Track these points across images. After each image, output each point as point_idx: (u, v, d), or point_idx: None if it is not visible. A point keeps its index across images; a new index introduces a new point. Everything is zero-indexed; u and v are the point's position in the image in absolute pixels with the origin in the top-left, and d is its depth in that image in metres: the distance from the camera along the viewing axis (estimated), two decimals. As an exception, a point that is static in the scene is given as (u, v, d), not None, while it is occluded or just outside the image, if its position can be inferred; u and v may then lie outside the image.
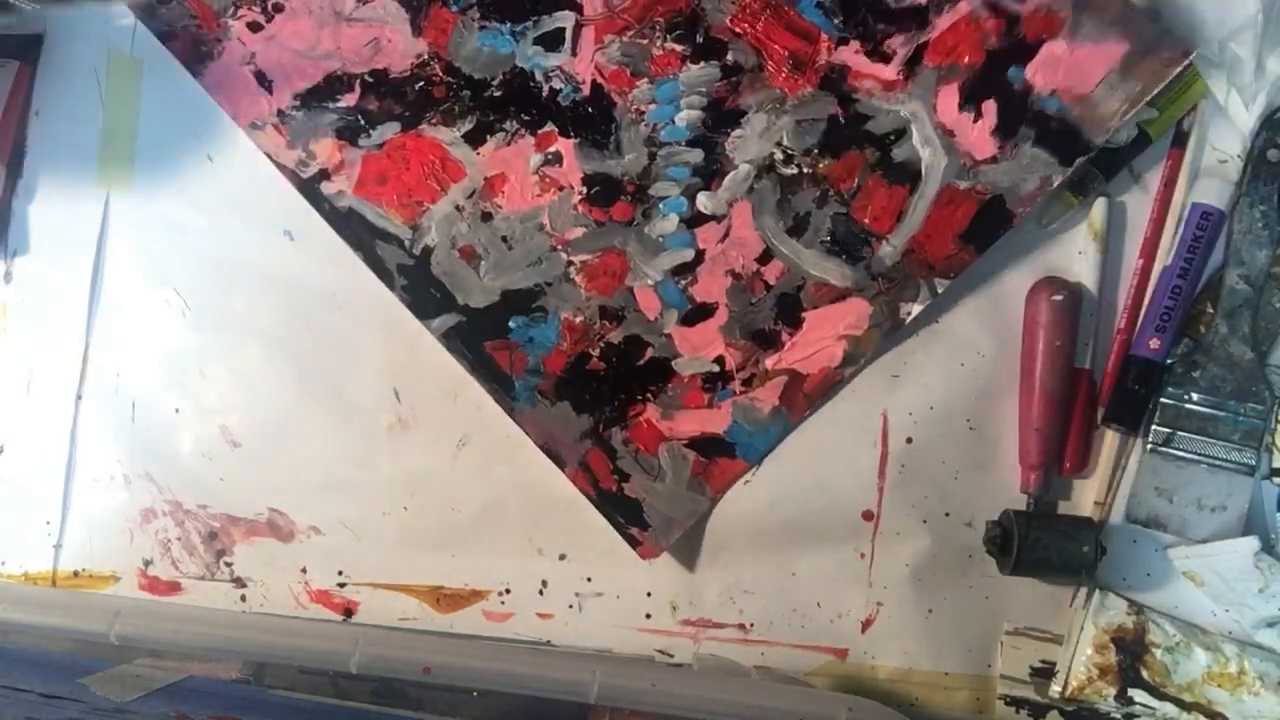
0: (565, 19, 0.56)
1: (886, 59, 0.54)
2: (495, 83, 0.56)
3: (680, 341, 0.56)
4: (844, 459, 0.57)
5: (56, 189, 0.63)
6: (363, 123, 0.57)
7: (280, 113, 0.58)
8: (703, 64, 0.55)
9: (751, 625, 0.58)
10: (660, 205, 0.55)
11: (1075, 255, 0.56)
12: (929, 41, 0.53)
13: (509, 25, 0.56)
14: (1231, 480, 0.54)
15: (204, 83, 0.59)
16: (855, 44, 0.54)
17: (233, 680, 0.59)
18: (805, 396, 0.55)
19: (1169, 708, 0.53)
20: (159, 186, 0.62)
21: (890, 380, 0.57)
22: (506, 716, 0.57)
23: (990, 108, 0.53)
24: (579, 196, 0.56)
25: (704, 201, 0.55)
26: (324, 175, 0.58)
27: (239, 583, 0.61)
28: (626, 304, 0.56)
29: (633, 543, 0.57)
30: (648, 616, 0.58)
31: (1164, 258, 0.55)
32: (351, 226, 0.58)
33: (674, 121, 0.55)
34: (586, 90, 0.56)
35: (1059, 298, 0.55)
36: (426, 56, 0.57)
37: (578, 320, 0.56)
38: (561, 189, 0.56)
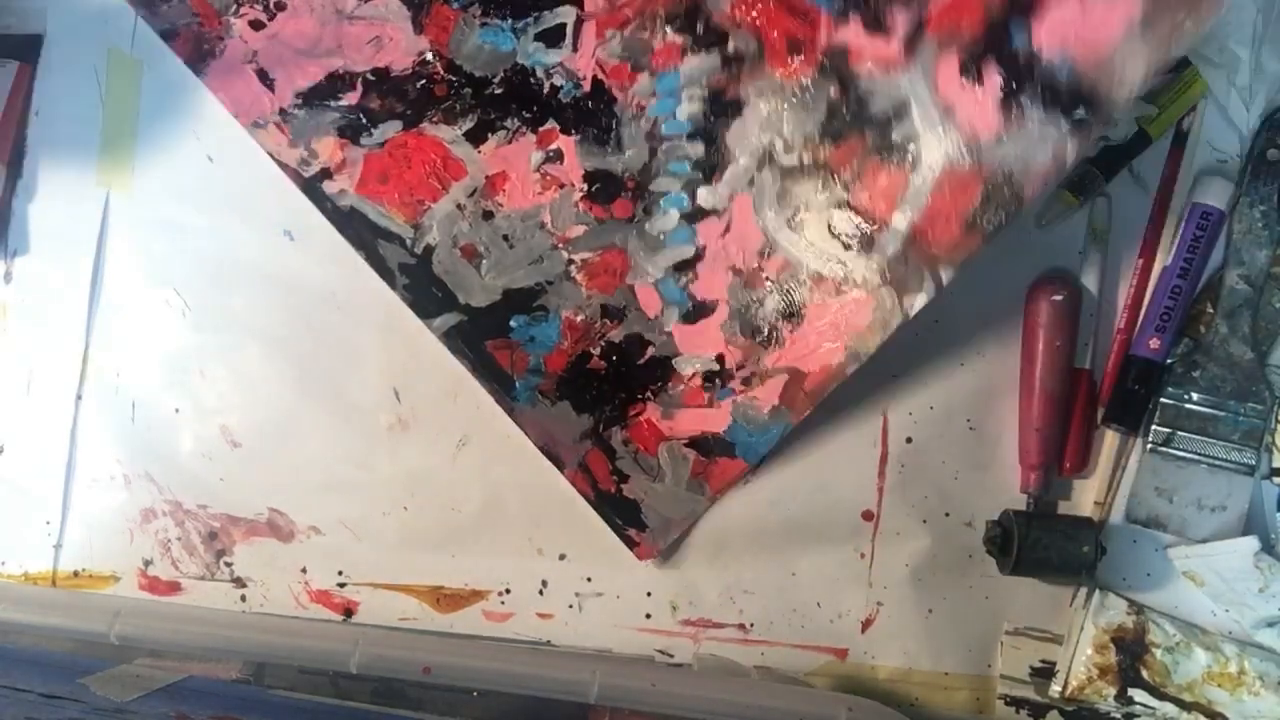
0: (566, 14, 0.55)
1: (887, 32, 0.50)
2: (496, 80, 0.56)
3: (681, 340, 0.55)
4: (844, 459, 0.57)
5: (56, 189, 0.63)
6: (364, 121, 0.57)
7: (282, 111, 0.58)
8: (703, 54, 0.54)
9: (751, 625, 0.58)
10: (661, 201, 0.55)
11: (1075, 255, 0.56)
12: (931, 12, 0.49)
13: (510, 22, 0.56)
14: (1231, 480, 0.54)
15: (206, 81, 0.59)
16: (856, 19, 0.51)
17: (233, 680, 0.59)
18: (806, 395, 0.54)
19: (1169, 708, 0.53)
20: (159, 186, 0.62)
21: (890, 380, 0.57)
22: (506, 716, 0.57)
23: (992, 76, 0.48)
24: (580, 194, 0.56)
25: (704, 196, 0.54)
26: (326, 174, 0.58)
27: (239, 583, 0.61)
28: (627, 302, 0.56)
29: (630, 544, 0.56)
30: (648, 616, 0.58)
31: (1164, 258, 0.55)
32: (354, 225, 0.58)
33: (675, 115, 0.54)
34: (587, 86, 0.55)
35: (1059, 298, 0.55)
36: (428, 54, 0.57)
37: (579, 319, 0.56)
38: (562, 186, 0.56)
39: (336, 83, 0.58)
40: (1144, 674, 0.53)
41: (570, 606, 0.59)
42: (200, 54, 0.59)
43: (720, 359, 0.55)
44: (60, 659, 0.59)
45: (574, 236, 0.56)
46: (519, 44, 0.56)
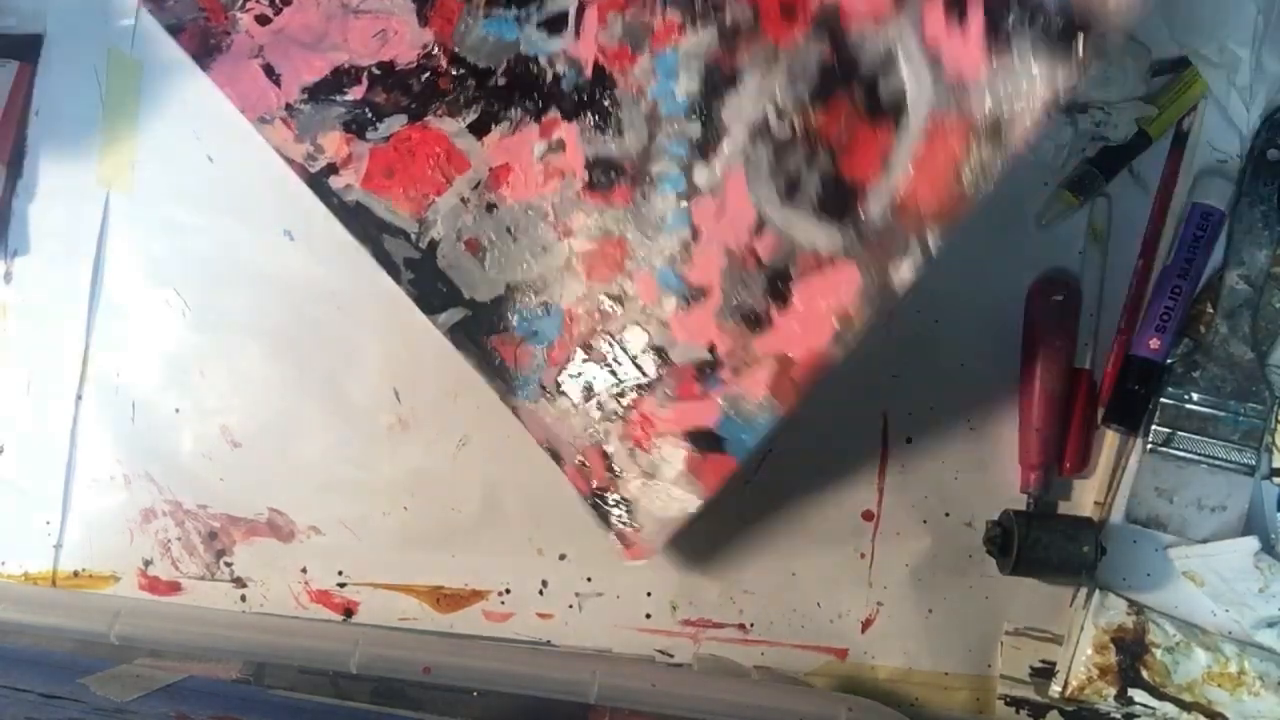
0: (568, 0, 0.55)
1: None
2: (500, 71, 0.56)
3: (676, 327, 0.54)
4: (844, 459, 0.57)
5: (56, 189, 0.63)
6: (370, 116, 0.57)
7: (288, 106, 0.58)
8: (701, 29, 0.52)
9: (751, 625, 0.58)
10: (658, 184, 0.54)
11: (1075, 255, 0.56)
12: None
13: (514, 10, 0.55)
14: (1231, 480, 0.54)
15: (213, 76, 0.59)
16: None
17: (233, 680, 0.59)
18: (794, 384, 0.51)
19: (1169, 708, 0.53)
20: (159, 186, 0.62)
21: (890, 380, 0.57)
22: (506, 716, 0.57)
23: (978, 11, 0.44)
24: (581, 183, 0.55)
25: (700, 176, 0.53)
26: (332, 169, 0.57)
27: (239, 583, 0.61)
28: (625, 290, 0.55)
29: (622, 543, 0.56)
30: (648, 616, 0.58)
31: (1164, 258, 0.55)
32: (359, 221, 0.57)
33: (674, 95, 0.53)
34: (589, 72, 0.55)
35: (1059, 298, 0.55)
36: (432, 47, 0.56)
37: (580, 310, 0.55)
38: (564, 176, 0.55)
39: (342, 77, 0.57)
40: (1144, 674, 0.53)
41: (570, 606, 0.59)
42: (207, 49, 0.59)
43: (712, 347, 0.53)
44: (60, 659, 0.59)
45: (575, 226, 0.55)
46: (522, 33, 0.55)
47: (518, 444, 0.58)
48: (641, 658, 0.58)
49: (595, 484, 0.55)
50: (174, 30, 0.59)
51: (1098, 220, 0.56)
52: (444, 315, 0.57)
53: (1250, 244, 0.54)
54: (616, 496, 0.55)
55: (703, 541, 0.58)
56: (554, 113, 0.55)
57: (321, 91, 0.58)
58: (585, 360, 0.55)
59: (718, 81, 0.52)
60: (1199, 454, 0.54)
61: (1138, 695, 0.53)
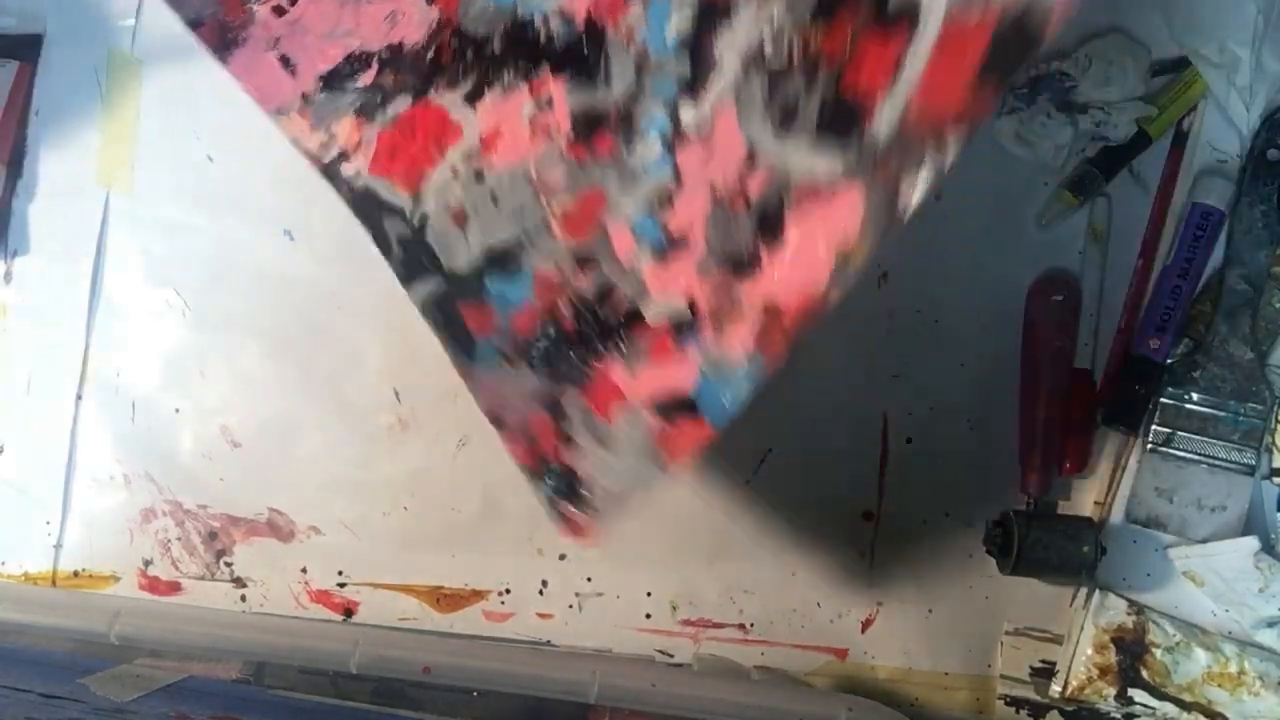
0: None
1: None
2: (496, 36, 0.55)
3: (652, 282, 0.51)
4: (844, 459, 0.57)
5: (56, 189, 0.63)
6: (379, 100, 0.56)
7: (304, 96, 0.57)
8: None
9: (751, 625, 0.58)
10: (643, 129, 0.51)
11: (1075, 255, 0.56)
12: None
13: None
14: (1231, 480, 0.54)
15: (231, 70, 0.58)
16: None
17: (233, 680, 0.59)
18: (783, 334, 0.47)
19: (1169, 708, 0.53)
20: (159, 186, 0.62)
21: (890, 380, 0.57)
22: (506, 716, 0.57)
23: None
24: (566, 138, 0.52)
25: (687, 114, 0.50)
26: (343, 157, 0.56)
27: (239, 583, 0.61)
28: (600, 247, 0.52)
29: (563, 520, 0.51)
30: (648, 616, 0.58)
31: (1164, 258, 0.55)
32: (365, 205, 0.56)
33: (664, 35, 0.50)
34: (581, 25, 0.52)
35: (1059, 298, 0.55)
36: (438, 24, 0.56)
37: (551, 271, 0.52)
38: (550, 133, 0.53)
39: (354, 63, 0.57)
40: (1144, 674, 0.53)
41: (570, 606, 0.59)
42: (225, 42, 0.58)
43: (692, 301, 0.49)
44: (60, 659, 0.59)
45: (556, 184, 0.53)
46: None
47: (518, 444, 0.58)
48: (641, 658, 0.58)
49: (542, 454, 0.52)
50: (194, 24, 0.58)
51: (1098, 220, 0.56)
52: (421, 287, 0.54)
53: (1250, 244, 0.54)
54: (564, 468, 0.51)
55: (703, 541, 0.58)
56: (545, 71, 0.53)
57: (335, 79, 0.57)
58: (552, 324, 0.52)
59: (711, 14, 0.49)
60: (1199, 454, 0.54)
61: (1138, 695, 0.53)
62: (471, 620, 0.59)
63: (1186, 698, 0.53)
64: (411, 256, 0.54)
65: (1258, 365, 0.54)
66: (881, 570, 0.57)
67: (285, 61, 0.57)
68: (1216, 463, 0.54)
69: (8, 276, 0.63)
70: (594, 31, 0.52)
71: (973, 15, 0.42)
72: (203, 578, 0.61)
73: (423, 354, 0.59)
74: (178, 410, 0.61)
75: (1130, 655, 0.54)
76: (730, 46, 0.49)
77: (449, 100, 0.54)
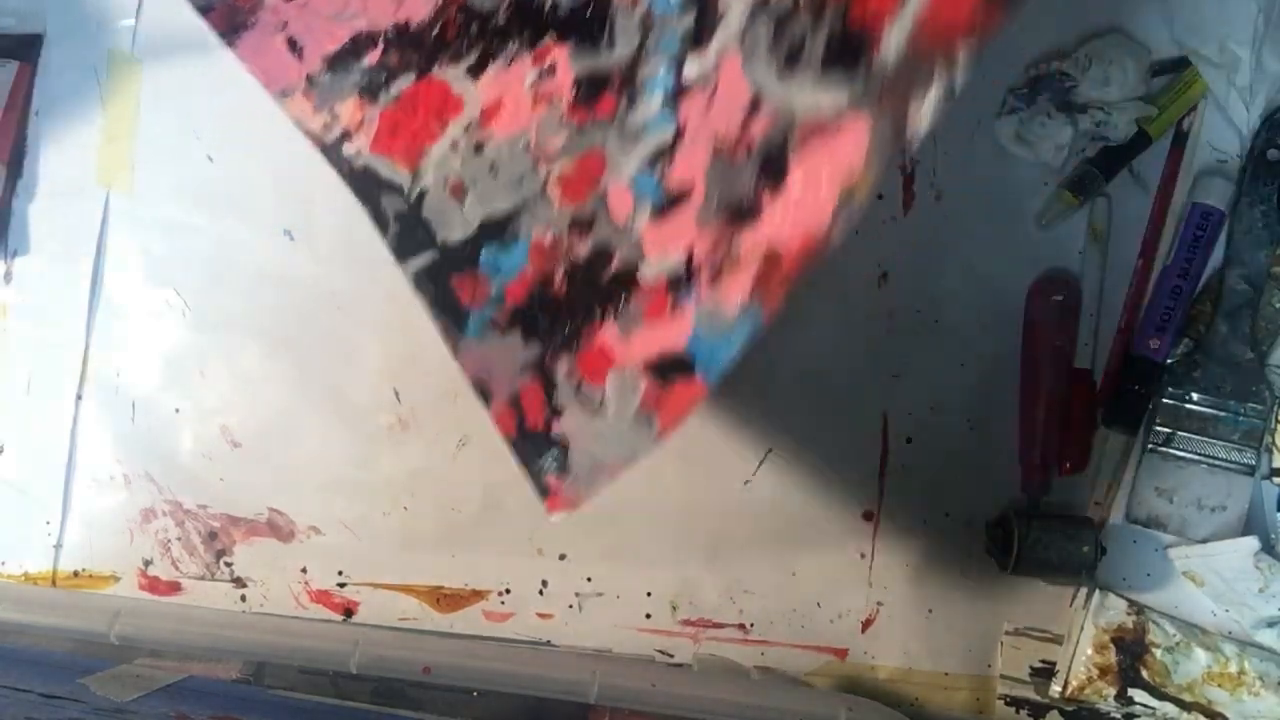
0: None
1: None
2: (502, 9, 0.55)
3: (649, 241, 0.50)
4: (844, 459, 0.57)
5: (56, 189, 0.63)
6: (383, 79, 0.56)
7: (309, 78, 0.57)
8: None
9: (751, 625, 0.58)
10: (645, 87, 0.50)
11: (1075, 255, 0.56)
12: None
13: None
14: (1231, 480, 0.54)
15: (238, 53, 0.58)
16: None
17: (233, 680, 0.59)
18: (782, 281, 0.46)
19: (1169, 708, 0.53)
20: (159, 186, 0.62)
21: (890, 380, 0.57)
22: (506, 716, 0.57)
23: None
24: (567, 103, 0.52)
25: (690, 67, 0.49)
26: (346, 137, 0.56)
27: (239, 583, 0.61)
28: (597, 209, 0.51)
29: (544, 492, 0.50)
30: (648, 616, 0.58)
31: (1164, 258, 0.55)
32: (365, 185, 0.56)
33: None
34: None
35: (1059, 298, 0.55)
36: (445, 0, 0.55)
37: (547, 238, 0.51)
38: (552, 100, 0.52)
39: (360, 44, 0.56)
40: (1144, 674, 0.53)
41: (570, 606, 0.59)
42: (233, 26, 0.58)
43: (689, 254, 0.48)
44: (60, 659, 0.59)
45: (555, 149, 0.52)
46: None
47: (518, 444, 0.58)
48: (641, 658, 0.58)
49: (530, 425, 0.51)
50: (203, 9, 0.58)
51: (1098, 220, 0.56)
52: (414, 261, 0.53)
53: (1250, 244, 0.54)
54: (552, 439, 0.50)
55: (702, 541, 0.58)
56: (549, 39, 0.52)
57: (340, 60, 0.56)
58: (546, 291, 0.52)
59: None
60: (1199, 454, 0.54)
61: (1138, 695, 0.53)
62: (471, 620, 0.59)
63: (1186, 698, 0.53)
64: (407, 232, 0.53)
65: (1258, 365, 0.54)
66: (881, 570, 0.57)
67: (292, 44, 0.56)
68: (1216, 463, 0.54)
69: (8, 276, 0.63)
70: None
71: None
72: (203, 578, 0.61)
73: (423, 354, 0.59)
74: (178, 410, 0.61)
75: (1130, 655, 0.54)
76: None
77: (452, 75, 0.54)
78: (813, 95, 0.46)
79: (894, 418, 0.57)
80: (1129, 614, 0.54)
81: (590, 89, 0.51)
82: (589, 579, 0.59)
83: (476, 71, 0.53)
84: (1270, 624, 0.53)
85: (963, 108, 0.57)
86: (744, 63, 0.48)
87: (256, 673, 0.59)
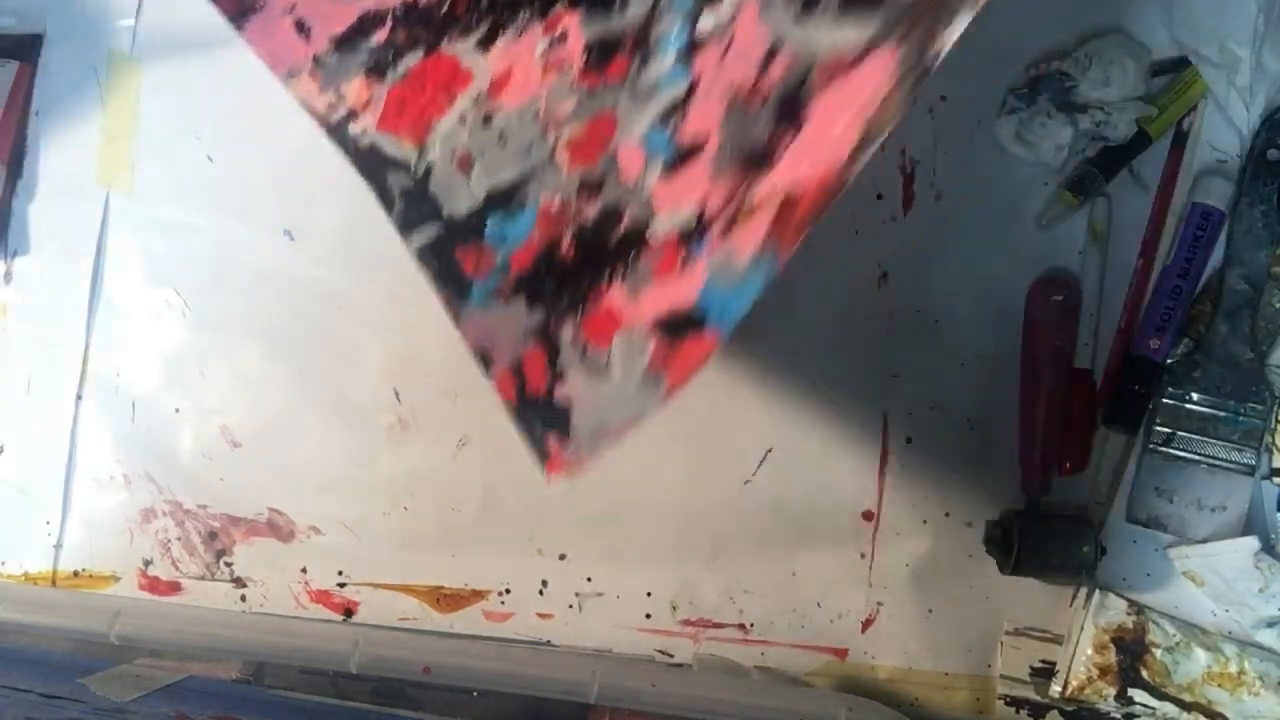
0: None
1: None
2: None
3: (660, 197, 0.49)
4: (844, 459, 0.57)
5: (56, 189, 0.63)
6: (391, 57, 0.56)
7: (316, 59, 0.57)
8: None
9: (751, 625, 0.58)
10: (659, 45, 0.50)
11: (1075, 255, 0.56)
12: None
13: None
14: (1231, 480, 0.54)
15: (246, 35, 0.58)
16: None
17: (233, 680, 0.59)
18: (798, 224, 0.45)
19: (1169, 708, 0.53)
20: (159, 186, 0.62)
21: (890, 380, 0.57)
22: (506, 716, 0.57)
23: None
24: (578, 68, 0.51)
25: (705, 21, 0.49)
26: (351, 116, 0.56)
27: (239, 583, 0.61)
28: (607, 170, 0.50)
29: (544, 457, 0.49)
30: (648, 616, 0.58)
31: (1164, 258, 0.55)
32: (370, 163, 0.55)
33: None
34: None
35: (1059, 298, 0.55)
36: None
37: (555, 203, 0.51)
38: (562, 67, 0.52)
39: (367, 23, 0.56)
40: (1144, 674, 0.53)
41: (570, 606, 0.59)
42: (242, 9, 0.58)
43: (701, 206, 0.48)
44: (60, 659, 0.59)
45: (565, 114, 0.52)
46: None
47: (518, 444, 0.58)
48: (641, 658, 0.58)
49: (531, 390, 0.51)
50: None
51: (1098, 220, 0.56)
52: (417, 234, 0.53)
53: (1250, 244, 0.54)
54: (554, 403, 0.50)
55: (703, 541, 0.58)
56: (560, 6, 0.52)
57: (348, 40, 0.56)
58: (553, 256, 0.51)
59: None
60: (1199, 454, 0.54)
61: (1138, 695, 0.53)
62: (471, 620, 0.59)
63: (1186, 698, 0.53)
64: (412, 207, 0.53)
65: (1258, 365, 0.54)
66: (881, 570, 0.57)
67: (300, 26, 0.56)
68: (1216, 463, 0.54)
69: (8, 276, 0.63)
70: None
71: None
72: (203, 578, 0.61)
73: (423, 354, 0.59)
74: (178, 410, 0.61)
75: (1130, 655, 0.54)
76: None
77: (461, 49, 0.53)
78: (832, 35, 0.45)
79: (894, 418, 0.57)
80: (1129, 614, 0.54)
81: (602, 53, 0.51)
82: (589, 579, 0.59)
83: (486, 44, 0.53)
84: (1270, 624, 0.53)
85: (963, 108, 0.57)
86: (761, 10, 0.47)
87: (256, 673, 0.59)
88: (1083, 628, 0.54)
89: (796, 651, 0.57)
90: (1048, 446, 0.55)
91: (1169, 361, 0.55)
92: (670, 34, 0.50)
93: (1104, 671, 0.54)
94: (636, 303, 0.49)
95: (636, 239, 0.49)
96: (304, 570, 0.60)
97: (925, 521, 0.57)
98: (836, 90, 0.45)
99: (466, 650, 0.57)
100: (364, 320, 0.60)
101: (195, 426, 0.61)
